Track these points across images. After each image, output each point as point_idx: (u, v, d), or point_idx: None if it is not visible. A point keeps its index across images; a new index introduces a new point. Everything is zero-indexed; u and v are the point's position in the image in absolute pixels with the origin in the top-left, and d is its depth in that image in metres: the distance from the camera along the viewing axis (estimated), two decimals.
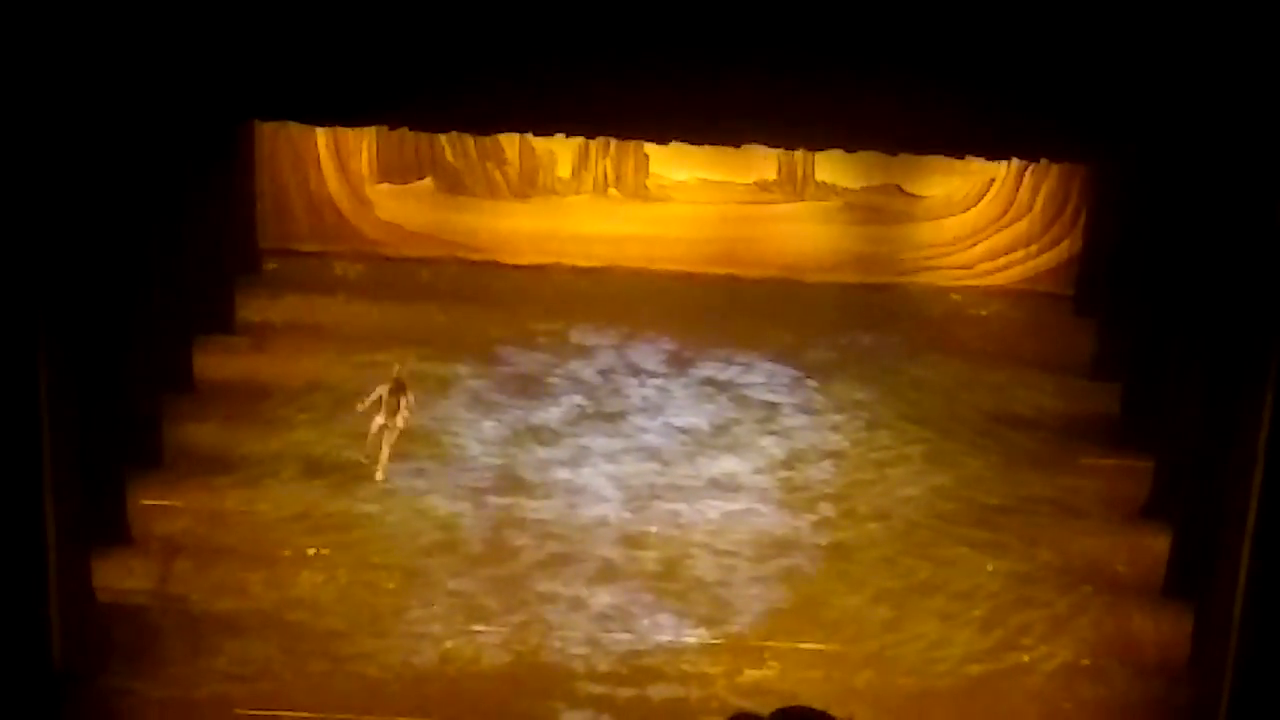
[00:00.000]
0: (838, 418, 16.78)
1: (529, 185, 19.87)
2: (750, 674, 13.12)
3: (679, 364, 17.67)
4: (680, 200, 19.72)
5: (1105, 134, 12.20)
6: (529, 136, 18.61)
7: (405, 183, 19.94)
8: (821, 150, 17.12)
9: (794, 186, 19.79)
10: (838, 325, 18.52)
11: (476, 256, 19.56)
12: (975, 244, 19.62)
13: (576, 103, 12.06)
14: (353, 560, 14.23)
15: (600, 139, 18.67)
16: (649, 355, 17.77)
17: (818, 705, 4.28)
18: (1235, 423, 12.32)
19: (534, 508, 15.10)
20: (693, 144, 13.61)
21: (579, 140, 18.88)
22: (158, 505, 14.67)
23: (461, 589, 13.95)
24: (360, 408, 15.47)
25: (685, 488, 15.50)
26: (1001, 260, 19.53)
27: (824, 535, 14.90)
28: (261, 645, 13.09)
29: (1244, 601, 11.89)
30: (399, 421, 15.35)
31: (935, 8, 11.55)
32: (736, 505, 15.27)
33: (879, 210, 19.76)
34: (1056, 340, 18.31)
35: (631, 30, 11.62)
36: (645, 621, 13.67)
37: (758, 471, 15.82)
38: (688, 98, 11.88)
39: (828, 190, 19.83)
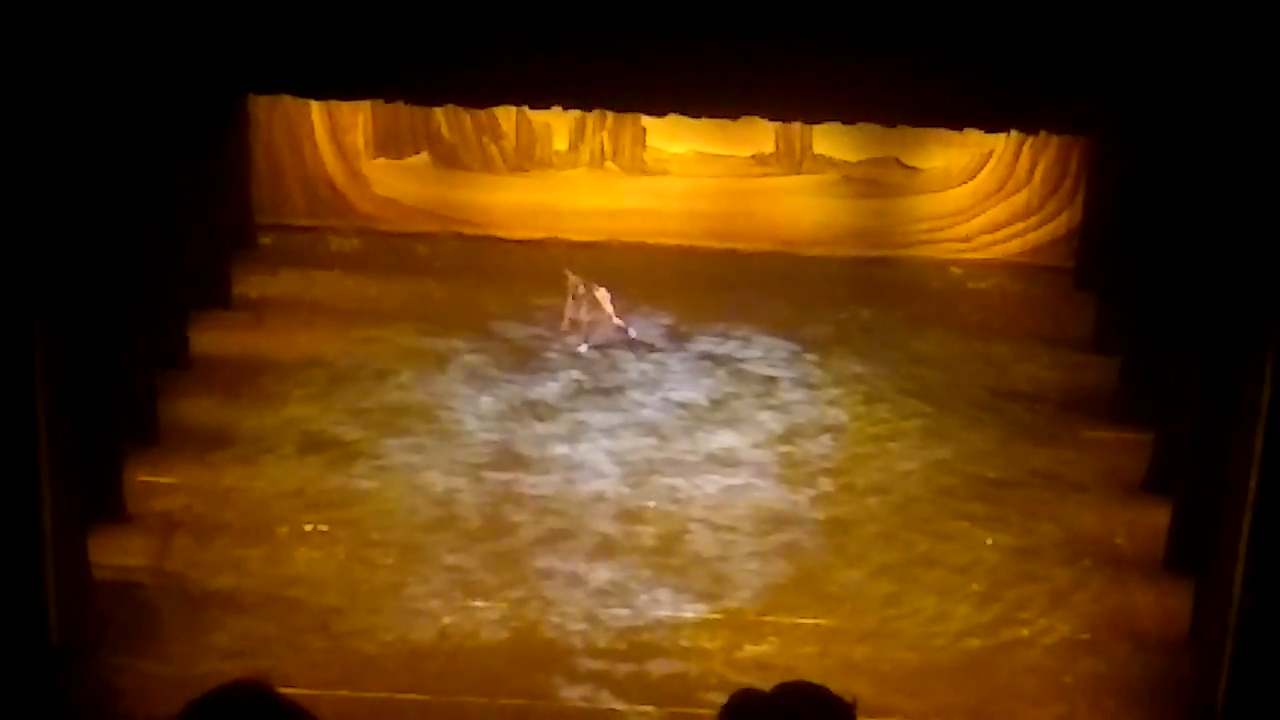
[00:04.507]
0: (836, 392, 16.73)
1: (525, 159, 19.79)
2: (749, 649, 13.09)
3: (676, 338, 17.62)
4: (677, 173, 19.65)
5: (1105, 106, 12.13)
6: (525, 110, 18.53)
7: (401, 157, 19.86)
8: (819, 123, 17.03)
9: (792, 159, 19.72)
10: (836, 299, 18.47)
11: (473, 231, 19.50)
12: (974, 217, 19.55)
13: (573, 75, 11.98)
14: (350, 536, 14.20)
15: (597, 112, 18.59)
16: (646, 329, 17.72)
17: (816, 680, 4.25)
18: (1236, 396, 12.28)
19: (532, 483, 15.06)
20: (690, 117, 13.55)
21: (575, 113, 18.78)
22: (154, 482, 14.63)
23: (459, 565, 13.91)
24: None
25: (683, 463, 15.46)
26: (1001, 233, 19.46)
27: (823, 510, 14.87)
28: (259, 622, 13.06)
29: (1245, 575, 11.86)
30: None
31: None
32: (735, 480, 15.23)
33: (877, 183, 19.68)
34: (1056, 313, 18.26)
35: (628, 2, 11.55)
36: (644, 597, 13.64)
37: (756, 446, 15.77)
38: (685, 70, 11.82)
39: (826, 163, 19.74)
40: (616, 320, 17.30)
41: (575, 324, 17.31)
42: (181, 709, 3.83)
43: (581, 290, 17.29)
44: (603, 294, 17.26)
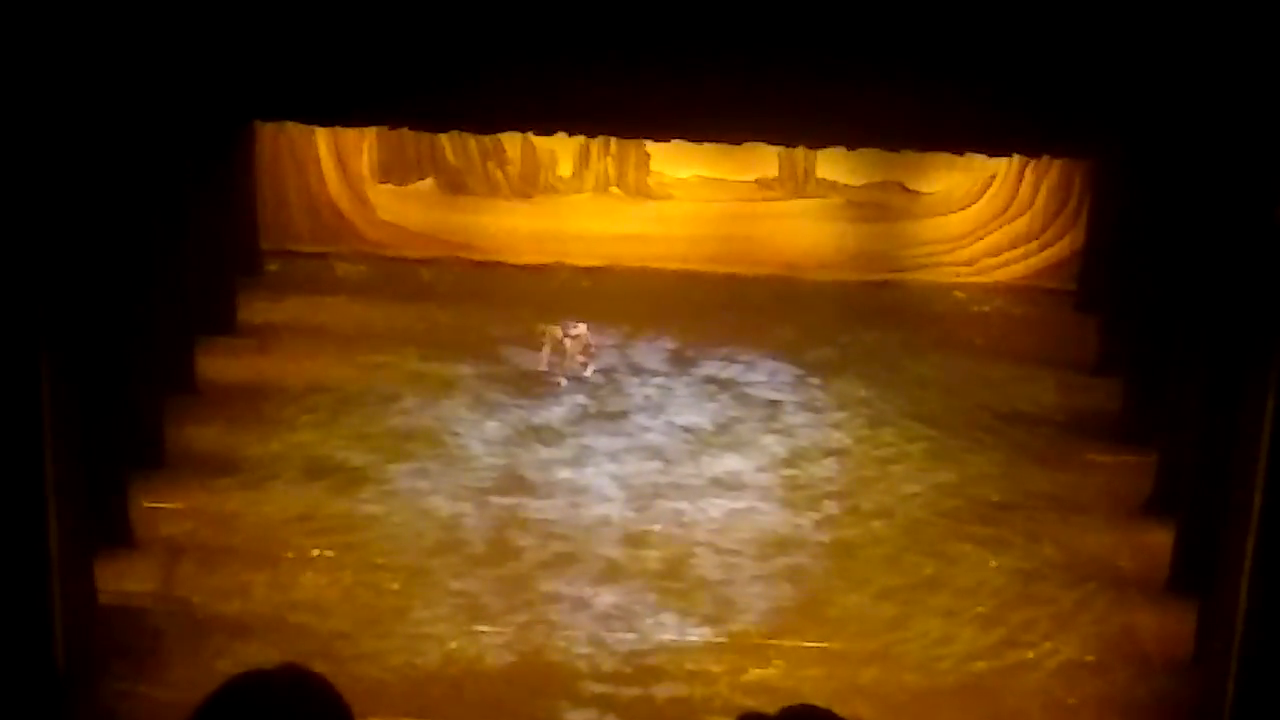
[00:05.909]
0: (840, 415, 16.76)
1: (530, 184, 19.86)
2: (754, 672, 13.10)
3: (681, 363, 17.65)
4: (681, 198, 19.71)
5: (1107, 130, 12.18)
6: (530, 135, 18.60)
7: (406, 183, 19.93)
8: (822, 147, 17.10)
9: (795, 184, 19.78)
10: (840, 323, 18.50)
11: (478, 256, 19.56)
12: (977, 240, 19.61)
13: (577, 101, 12.04)
14: (356, 561, 14.22)
15: (601, 137, 18.66)
16: (651, 354, 17.77)
17: (821, 703, 4.26)
18: (1238, 417, 12.30)
19: (537, 508, 15.09)
20: (694, 142, 13.60)
21: (580, 139, 18.87)
22: (160, 507, 14.66)
23: (465, 589, 13.93)
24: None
25: (688, 486, 15.49)
26: (1003, 256, 19.52)
27: (827, 533, 14.89)
28: (264, 647, 13.05)
29: (1248, 597, 11.87)
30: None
31: (936, 3, 11.54)
32: (739, 504, 15.26)
33: (880, 207, 19.74)
34: (1059, 336, 18.30)
35: (632, 28, 11.61)
36: (649, 621, 13.66)
37: (760, 470, 15.80)
38: (688, 96, 11.87)
39: (829, 187, 19.81)
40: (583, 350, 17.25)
41: (557, 351, 17.17)
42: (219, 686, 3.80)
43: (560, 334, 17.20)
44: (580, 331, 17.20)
